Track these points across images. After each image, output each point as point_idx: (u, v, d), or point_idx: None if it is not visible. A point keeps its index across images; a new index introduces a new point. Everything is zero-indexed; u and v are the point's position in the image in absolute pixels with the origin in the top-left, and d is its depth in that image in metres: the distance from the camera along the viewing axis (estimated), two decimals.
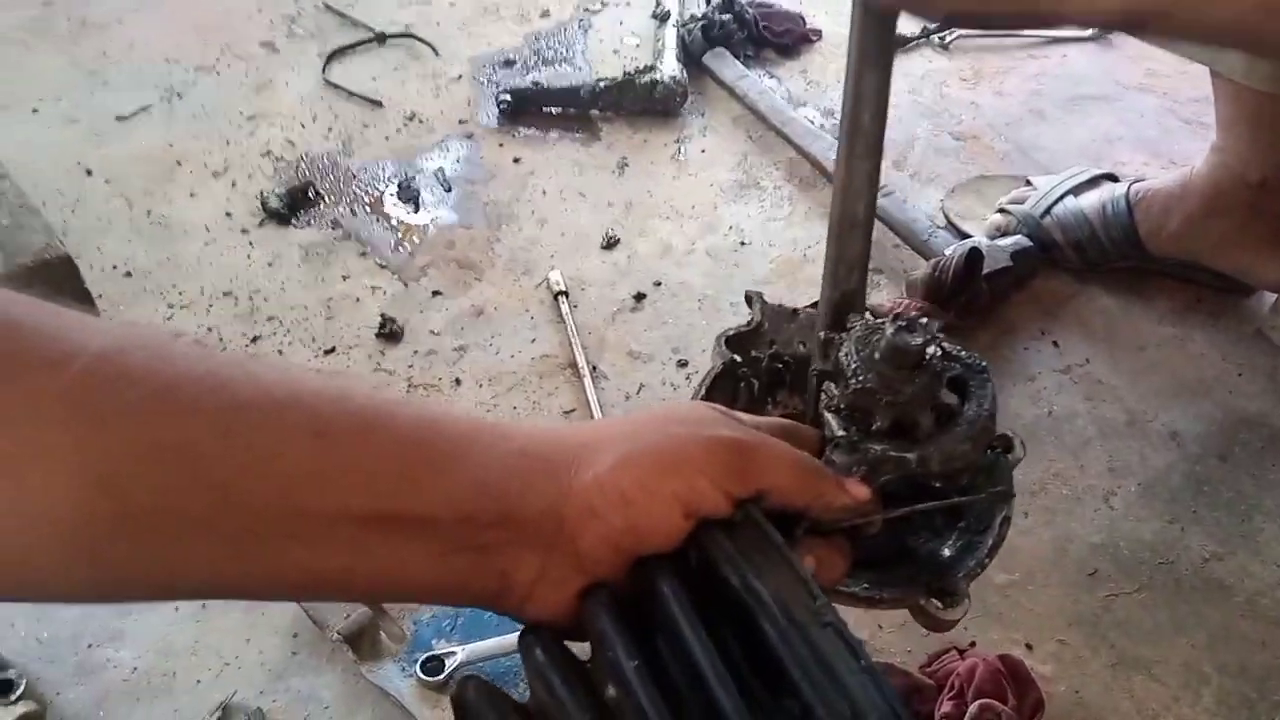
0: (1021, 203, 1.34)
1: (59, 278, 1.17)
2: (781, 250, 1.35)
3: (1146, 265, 1.29)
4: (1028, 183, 1.38)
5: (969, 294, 1.22)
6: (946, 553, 0.65)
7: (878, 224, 1.36)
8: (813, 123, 1.50)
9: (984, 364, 0.63)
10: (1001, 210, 1.35)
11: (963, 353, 0.63)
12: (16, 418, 0.36)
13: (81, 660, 0.95)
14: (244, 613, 0.98)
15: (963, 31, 1.66)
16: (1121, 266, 1.30)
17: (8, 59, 1.58)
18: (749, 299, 0.81)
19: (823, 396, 0.62)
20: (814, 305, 0.72)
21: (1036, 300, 1.30)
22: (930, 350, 0.58)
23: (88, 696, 0.93)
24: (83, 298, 1.21)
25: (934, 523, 0.66)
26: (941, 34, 1.66)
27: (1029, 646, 0.98)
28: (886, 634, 0.99)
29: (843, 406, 0.59)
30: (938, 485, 0.60)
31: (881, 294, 1.30)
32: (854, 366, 0.58)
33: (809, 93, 1.59)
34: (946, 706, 0.87)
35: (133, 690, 0.94)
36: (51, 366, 0.37)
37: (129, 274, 1.28)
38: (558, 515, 0.45)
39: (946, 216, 1.39)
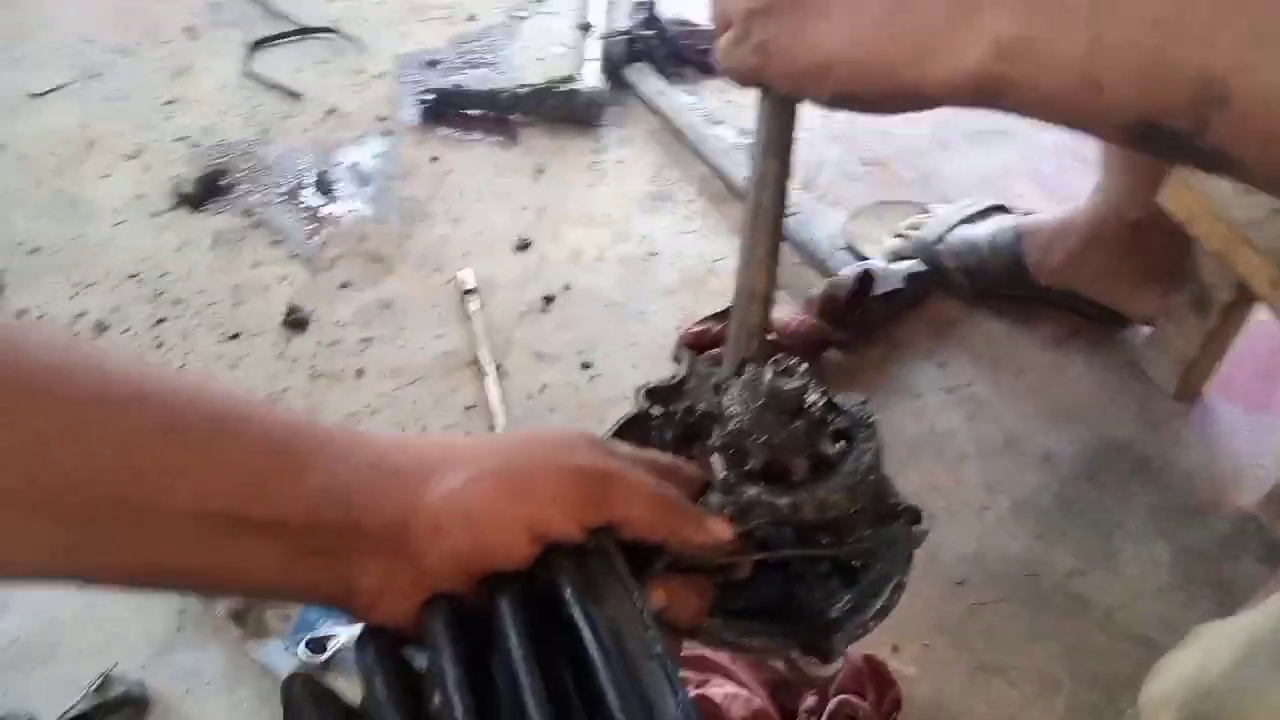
0: (918, 229, 1.39)
1: None
2: (690, 262, 1.39)
3: (1032, 294, 1.36)
4: (926, 210, 1.44)
5: (862, 312, 1.28)
6: (834, 613, 0.64)
7: (787, 242, 1.42)
8: (727, 141, 1.55)
9: (872, 418, 0.63)
10: (899, 235, 1.40)
11: (851, 405, 0.64)
12: None
13: None
14: None
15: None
16: (1009, 294, 1.36)
17: None
18: (677, 357, 0.80)
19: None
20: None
21: (927, 322, 1.35)
22: (812, 398, 0.59)
23: None
24: None
25: (828, 582, 0.65)
26: None
27: (895, 648, 1.03)
28: None
29: (720, 446, 0.60)
30: (825, 540, 0.60)
31: (783, 310, 1.34)
32: (734, 409, 0.60)
33: (726, 110, 1.63)
34: (809, 701, 0.90)
35: (15, 660, 0.94)
36: None
37: (35, 250, 1.28)
38: (404, 528, 0.46)
39: (847, 238, 1.44)
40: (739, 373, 0.65)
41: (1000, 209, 1.41)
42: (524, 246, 1.37)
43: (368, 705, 0.44)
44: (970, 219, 1.39)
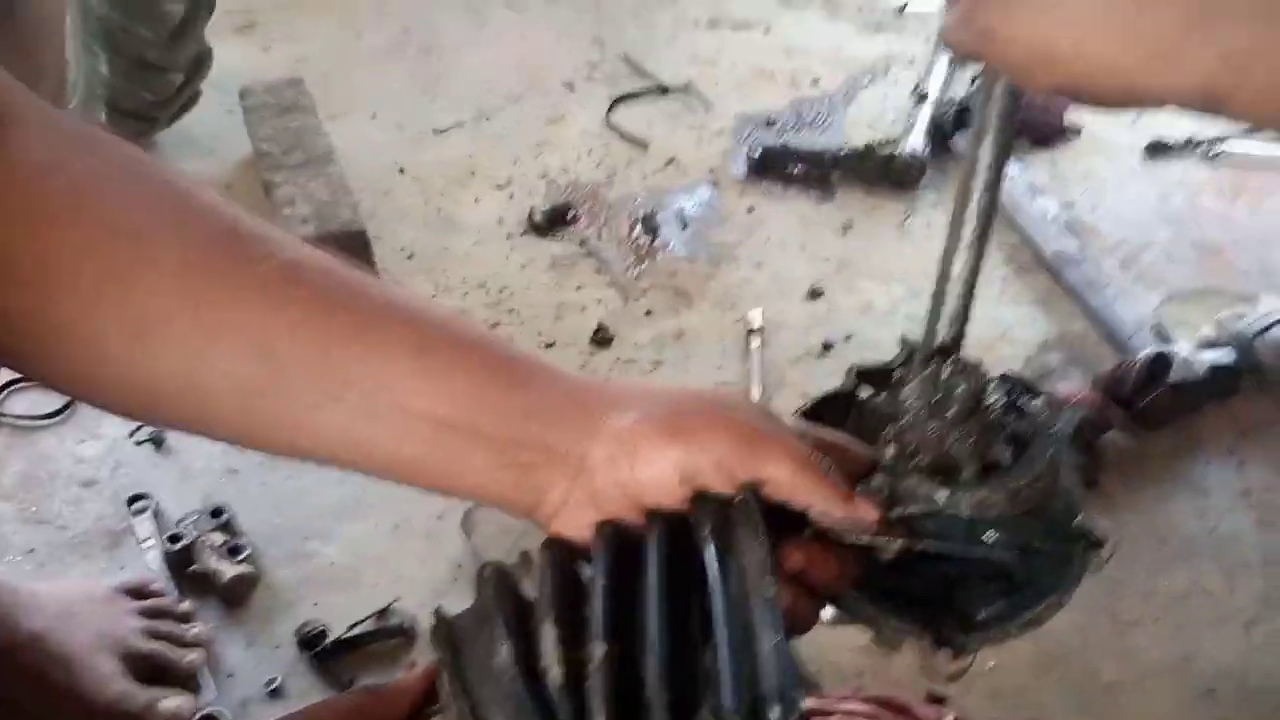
0: (1239, 320, 1.31)
1: (354, 247, 1.45)
2: (981, 326, 1.38)
3: None
4: (1256, 302, 1.34)
5: (1153, 398, 1.22)
6: (981, 615, 0.63)
7: (1085, 315, 1.38)
8: (1047, 213, 1.53)
9: (1055, 429, 0.63)
10: (1217, 324, 1.32)
11: (1041, 410, 0.64)
12: (221, 299, 0.51)
13: (296, 548, 1.17)
14: (424, 539, 1.17)
15: (1228, 146, 1.62)
16: None
17: (366, 73, 1.92)
18: (903, 340, 0.79)
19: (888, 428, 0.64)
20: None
21: (1233, 419, 1.26)
22: (991, 399, 0.60)
23: (294, 576, 1.15)
24: (368, 267, 1.47)
25: (988, 586, 0.65)
26: (1210, 145, 1.63)
27: None
28: (974, 696, 1.02)
29: (892, 437, 0.62)
30: (993, 543, 0.61)
31: (1070, 384, 1.31)
32: (910, 402, 0.62)
33: (1051, 184, 1.61)
34: None
35: (327, 579, 1.15)
36: (252, 262, 0.52)
37: (410, 257, 1.54)
38: (582, 453, 0.53)
39: (1159, 322, 1.37)
40: (930, 363, 0.66)
41: None
42: (816, 295, 1.45)
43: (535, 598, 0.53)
44: None
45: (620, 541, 0.54)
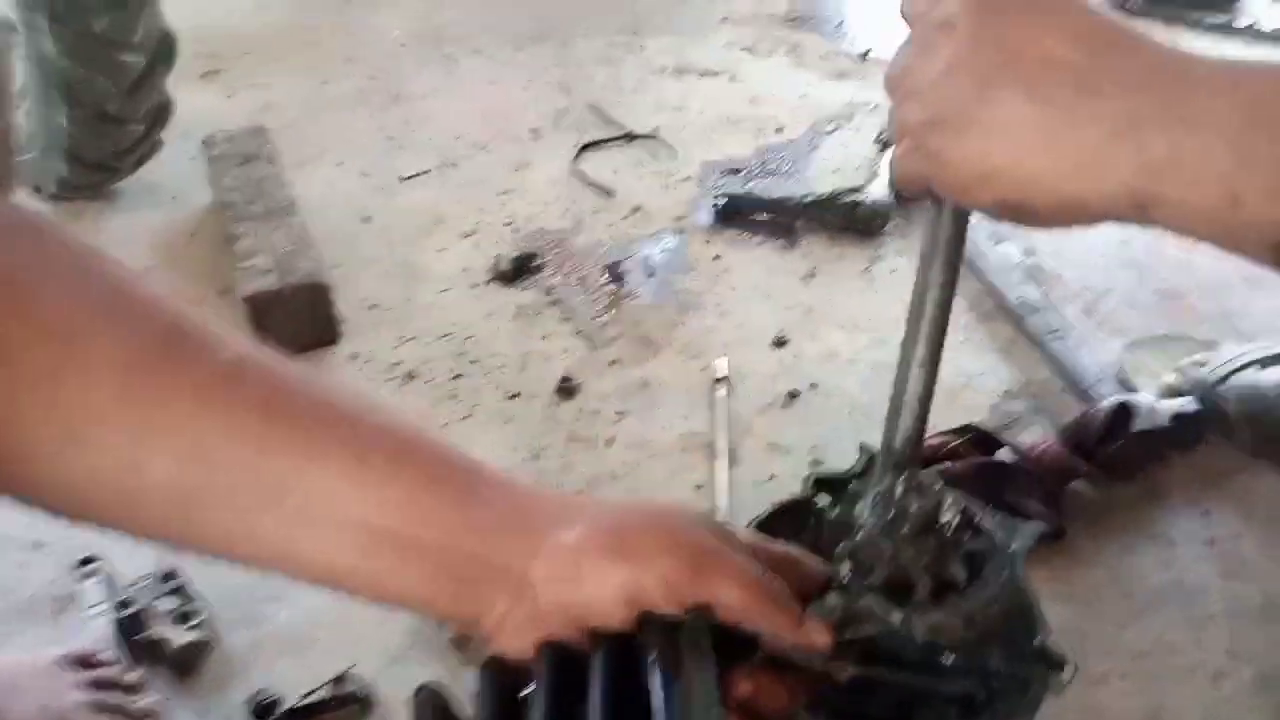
0: (1201, 366, 1.31)
1: (315, 299, 1.43)
2: (945, 373, 1.38)
3: None
4: (1217, 348, 1.35)
5: (1118, 448, 1.22)
6: None
7: (1049, 363, 1.38)
8: (1008, 260, 1.54)
9: (1011, 549, 0.62)
10: (1179, 371, 1.32)
11: (995, 528, 0.63)
12: (157, 401, 0.50)
13: (250, 611, 1.15)
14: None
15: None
16: None
17: (331, 121, 1.92)
18: (862, 448, 0.79)
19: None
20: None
21: (1197, 468, 1.26)
22: (946, 518, 0.60)
23: (247, 640, 1.12)
24: (329, 319, 1.46)
25: (947, 708, 0.64)
26: None
27: None
28: None
29: (847, 554, 0.61)
30: (953, 663, 0.60)
31: (1034, 433, 1.31)
32: (865, 518, 0.61)
33: (1013, 230, 1.62)
34: None
35: (281, 644, 1.12)
36: (190, 363, 0.50)
37: (374, 307, 1.53)
38: (524, 571, 0.52)
39: (1121, 370, 1.38)
40: (882, 481, 0.65)
41: None
42: (781, 343, 1.45)
43: None
44: (1264, 361, 1.28)
45: (563, 663, 0.52)
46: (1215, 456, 1.27)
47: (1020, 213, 0.52)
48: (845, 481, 0.74)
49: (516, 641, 0.53)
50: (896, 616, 0.57)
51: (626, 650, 0.52)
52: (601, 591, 0.51)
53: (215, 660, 1.10)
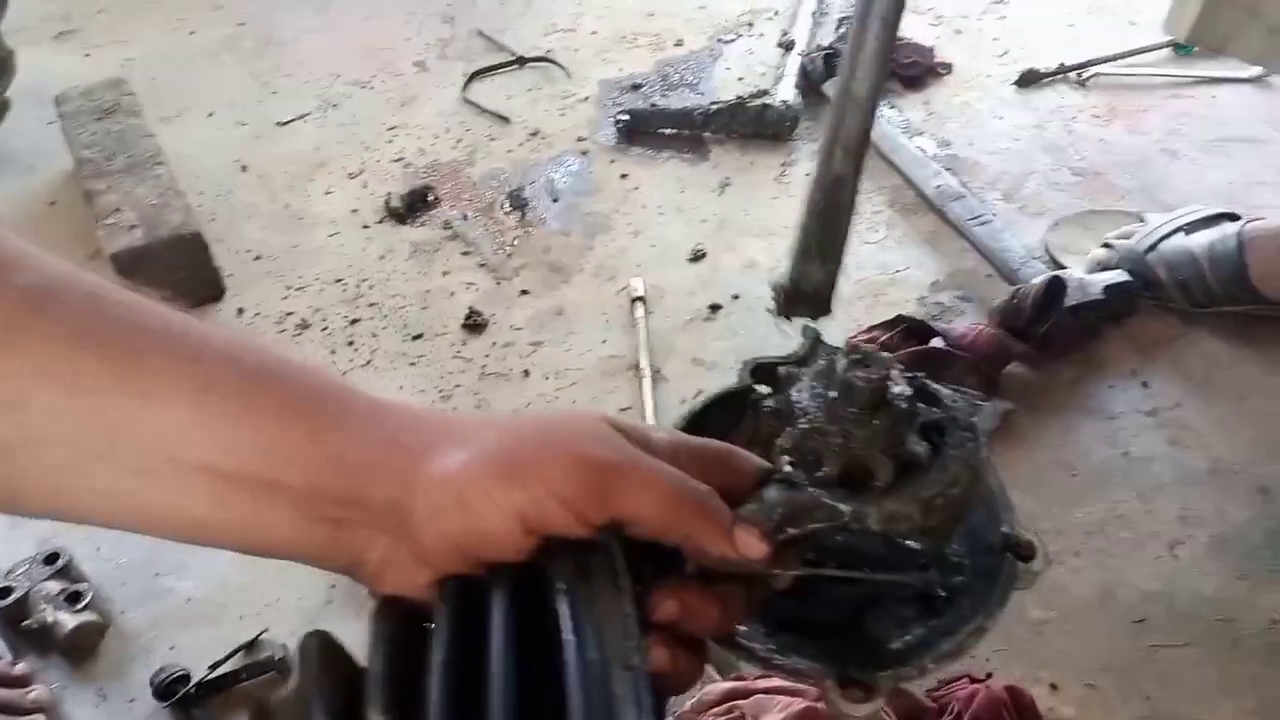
0: (1128, 238, 1.27)
1: (189, 251, 1.32)
2: (868, 272, 1.34)
3: (1261, 311, 1.20)
4: (1141, 219, 1.31)
5: (1050, 325, 1.18)
6: (895, 645, 0.56)
7: (975, 253, 1.34)
8: (924, 152, 1.48)
9: (972, 419, 0.54)
10: (1106, 244, 1.29)
11: (955, 399, 0.55)
12: None
13: (148, 586, 1.05)
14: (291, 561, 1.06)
15: (1100, 69, 1.60)
16: (1232, 310, 1.21)
17: (200, 70, 1.78)
18: (805, 330, 0.73)
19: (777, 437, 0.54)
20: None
21: (1133, 339, 1.23)
22: (897, 390, 0.51)
23: (146, 617, 1.03)
24: (209, 272, 1.35)
25: (904, 609, 0.57)
26: (1080, 69, 1.61)
27: (1054, 686, 0.93)
28: None
29: (789, 447, 0.52)
30: (921, 559, 0.53)
31: (964, 320, 1.26)
32: (804, 404, 0.52)
33: (927, 123, 1.57)
34: None
35: (185, 617, 1.03)
36: None
37: (258, 258, 1.42)
38: (403, 506, 0.45)
39: (1047, 249, 1.34)
40: (806, 363, 0.56)
41: (1230, 217, 1.26)
42: (698, 258, 1.37)
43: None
44: (1188, 227, 1.25)
45: (467, 600, 0.45)
46: (1149, 327, 1.24)
47: None
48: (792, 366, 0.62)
49: (408, 581, 0.45)
50: (848, 507, 0.49)
51: (536, 581, 0.44)
52: (493, 520, 0.43)
53: (112, 641, 1.01)
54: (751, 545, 0.47)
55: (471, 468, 0.44)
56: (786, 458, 0.51)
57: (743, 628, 0.53)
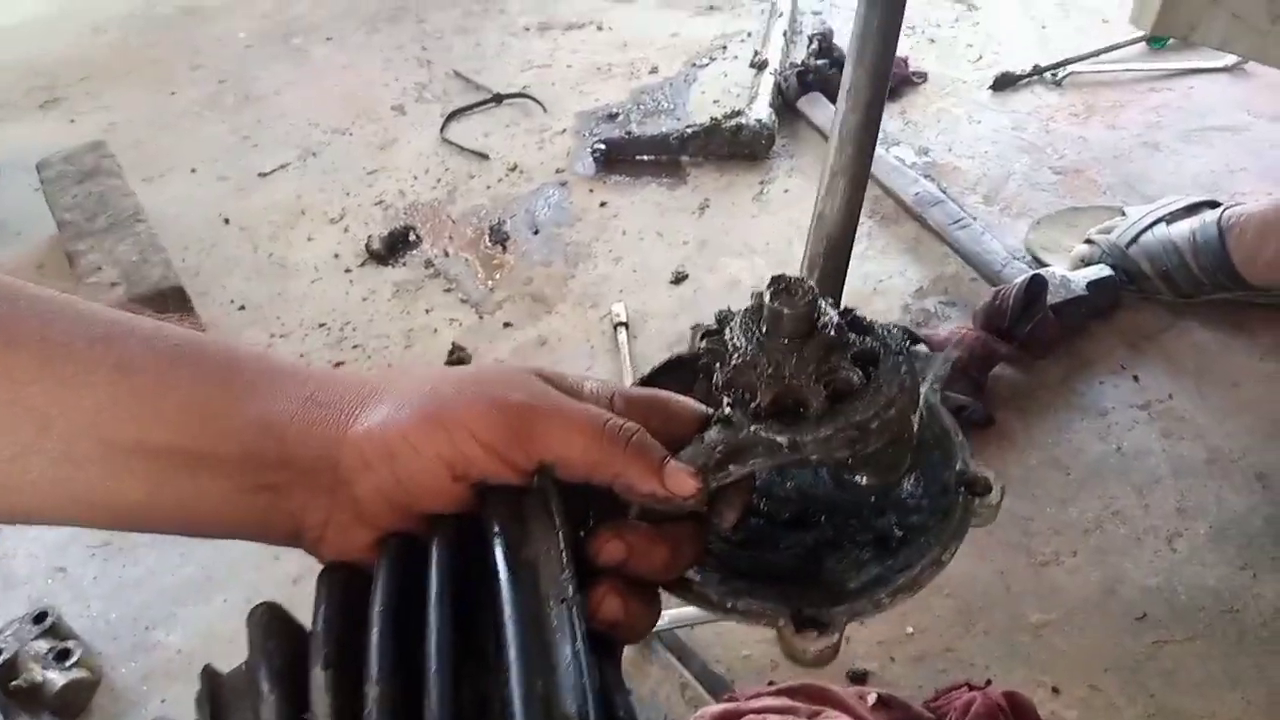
0: (1110, 233, 1.26)
1: (171, 306, 1.32)
2: (851, 283, 1.33)
3: (1250, 297, 1.19)
4: (1122, 213, 1.30)
5: (1033, 324, 1.16)
6: (852, 584, 0.55)
7: (956, 256, 1.33)
8: (903, 161, 1.48)
9: (903, 344, 0.53)
10: (1088, 241, 1.27)
11: (889, 328, 0.53)
12: None
13: (138, 640, 1.04)
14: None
15: (1075, 68, 1.60)
16: (1220, 299, 1.19)
17: (183, 129, 1.80)
18: (753, 293, 0.72)
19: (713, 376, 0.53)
20: None
21: (1120, 333, 1.21)
22: (826, 318, 0.50)
23: (137, 672, 1.02)
24: (193, 325, 1.35)
25: (861, 551, 0.56)
26: (1055, 70, 1.60)
27: (1056, 690, 0.91)
28: (897, 666, 0.94)
29: (723, 385, 0.51)
30: (873, 498, 0.53)
31: (950, 325, 1.25)
32: (736, 340, 0.51)
33: (904, 132, 1.56)
34: None
35: (175, 671, 1.02)
36: None
37: (242, 308, 1.42)
38: (333, 461, 0.45)
39: (1029, 249, 1.33)
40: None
41: (1210, 205, 1.25)
42: (680, 280, 1.37)
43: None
44: (1169, 217, 1.24)
45: (407, 556, 0.45)
46: (1136, 320, 1.22)
47: None
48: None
49: (350, 543, 0.45)
50: (784, 439, 0.48)
51: (476, 534, 0.44)
52: (422, 470, 0.44)
53: (103, 697, 1.00)
54: (682, 482, 0.46)
55: (396, 419, 0.44)
56: (726, 399, 0.51)
57: (696, 576, 0.51)
